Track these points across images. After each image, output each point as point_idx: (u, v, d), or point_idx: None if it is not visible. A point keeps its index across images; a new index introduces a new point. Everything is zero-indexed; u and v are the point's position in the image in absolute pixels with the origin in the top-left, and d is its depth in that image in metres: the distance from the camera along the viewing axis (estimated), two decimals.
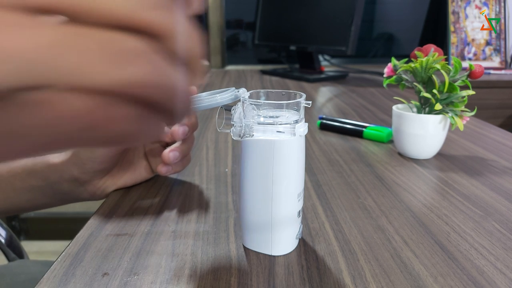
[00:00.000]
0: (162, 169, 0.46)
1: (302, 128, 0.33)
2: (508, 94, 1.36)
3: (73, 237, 0.38)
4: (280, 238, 0.35)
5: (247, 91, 0.35)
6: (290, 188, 0.34)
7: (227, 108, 0.35)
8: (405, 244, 0.37)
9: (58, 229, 1.74)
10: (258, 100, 0.33)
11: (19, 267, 0.72)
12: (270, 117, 0.33)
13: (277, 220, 0.34)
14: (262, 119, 0.33)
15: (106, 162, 0.45)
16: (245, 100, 0.33)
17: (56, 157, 0.46)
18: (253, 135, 0.32)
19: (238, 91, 0.35)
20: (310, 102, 0.33)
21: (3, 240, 0.78)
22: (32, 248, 1.73)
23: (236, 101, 0.35)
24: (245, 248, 0.36)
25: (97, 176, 0.46)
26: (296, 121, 0.33)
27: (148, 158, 0.50)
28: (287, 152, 0.33)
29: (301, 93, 0.34)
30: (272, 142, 0.32)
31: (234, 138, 0.33)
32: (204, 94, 0.37)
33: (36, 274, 0.69)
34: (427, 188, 0.50)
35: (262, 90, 0.35)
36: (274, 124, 0.32)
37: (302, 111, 0.33)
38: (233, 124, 0.33)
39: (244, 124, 0.33)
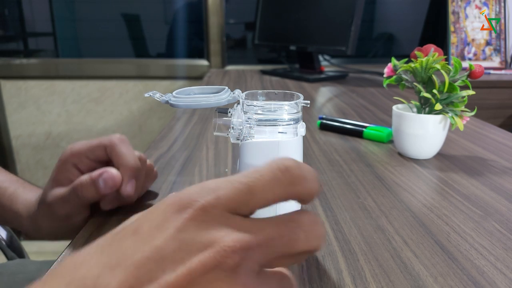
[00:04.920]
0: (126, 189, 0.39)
1: (303, 128, 0.33)
2: (508, 94, 1.36)
3: (73, 238, 0.38)
4: None
5: (247, 91, 0.35)
6: None
7: (223, 111, 0.34)
8: (405, 244, 0.37)
9: None
10: (258, 101, 0.33)
11: (17, 266, 0.72)
12: (269, 119, 0.32)
13: None
14: (262, 121, 0.32)
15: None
16: (245, 102, 0.33)
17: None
18: (253, 137, 0.32)
19: (234, 93, 0.35)
20: (309, 101, 0.33)
21: (3, 241, 0.78)
22: (32, 248, 1.73)
23: (231, 103, 0.34)
24: None
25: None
26: (297, 121, 0.33)
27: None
28: (292, 152, 0.33)
29: (296, 93, 0.34)
30: (277, 143, 0.32)
31: (233, 141, 0.33)
32: (195, 89, 0.35)
33: (34, 273, 0.69)
34: (427, 188, 0.50)
35: (258, 91, 0.34)
36: (276, 126, 0.32)
37: (300, 110, 0.33)
38: (232, 127, 0.33)
39: (243, 127, 0.32)
